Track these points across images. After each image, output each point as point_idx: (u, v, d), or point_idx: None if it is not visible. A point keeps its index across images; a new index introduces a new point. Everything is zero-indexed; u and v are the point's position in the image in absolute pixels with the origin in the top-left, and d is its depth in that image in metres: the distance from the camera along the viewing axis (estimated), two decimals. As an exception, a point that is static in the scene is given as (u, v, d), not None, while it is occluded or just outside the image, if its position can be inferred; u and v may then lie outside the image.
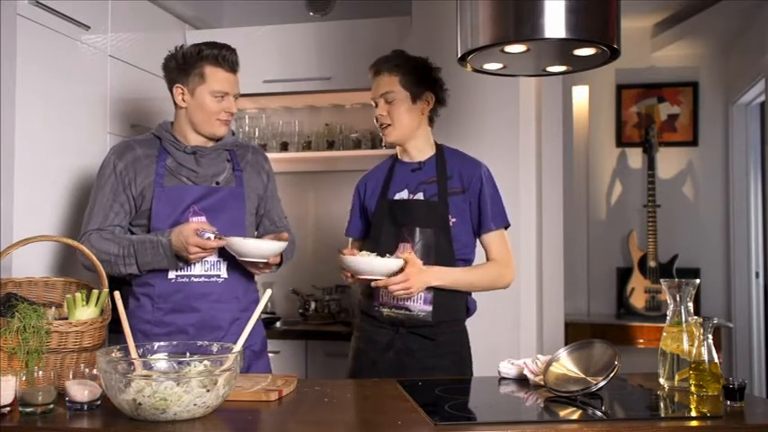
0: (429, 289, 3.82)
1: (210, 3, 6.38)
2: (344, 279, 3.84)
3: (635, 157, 8.30)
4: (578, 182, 8.27)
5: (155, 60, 5.38)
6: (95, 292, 3.09)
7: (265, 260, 3.71)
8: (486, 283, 4.00)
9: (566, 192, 6.11)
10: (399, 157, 4.14)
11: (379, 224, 4.04)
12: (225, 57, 3.85)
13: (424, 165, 4.04)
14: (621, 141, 8.35)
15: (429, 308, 3.85)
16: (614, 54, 3.16)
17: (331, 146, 6.26)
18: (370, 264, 3.65)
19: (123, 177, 3.82)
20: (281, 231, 3.99)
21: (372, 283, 3.73)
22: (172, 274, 3.78)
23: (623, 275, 8.17)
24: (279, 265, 4.00)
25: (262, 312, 3.10)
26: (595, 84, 8.20)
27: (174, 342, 2.91)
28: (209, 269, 3.82)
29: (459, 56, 3.24)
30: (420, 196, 3.97)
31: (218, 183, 3.90)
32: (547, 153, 5.62)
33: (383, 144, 6.03)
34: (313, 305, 5.98)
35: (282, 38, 5.89)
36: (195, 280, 3.80)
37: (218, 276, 3.83)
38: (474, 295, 4.08)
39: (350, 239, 4.29)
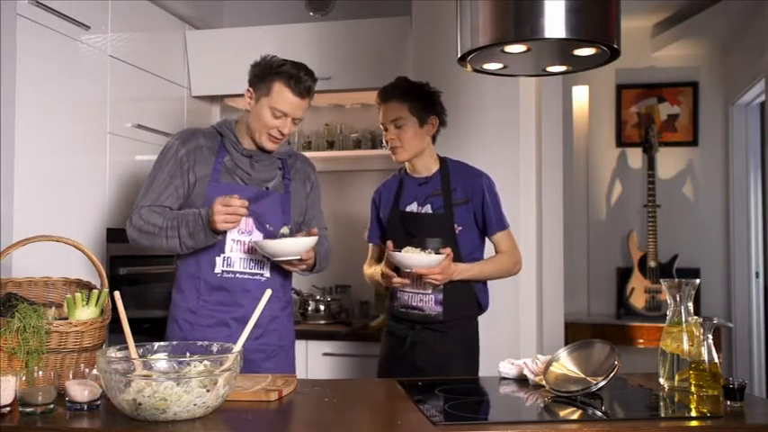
0: (439, 291, 4.16)
1: (211, 3, 6.38)
2: (386, 281, 4.25)
3: (635, 157, 8.30)
4: (578, 182, 8.27)
5: (155, 60, 5.42)
6: (95, 292, 3.09)
7: (298, 257, 3.78)
8: (500, 272, 4.38)
9: (566, 192, 6.11)
10: (408, 171, 4.47)
11: (392, 232, 4.38)
12: (299, 80, 3.85)
13: (430, 179, 4.38)
14: (621, 141, 8.35)
15: (439, 308, 4.21)
16: (614, 54, 3.15)
17: (331, 146, 6.27)
18: (417, 259, 4.00)
19: (183, 163, 3.91)
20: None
21: (413, 270, 4.01)
22: (218, 269, 3.90)
23: (623, 275, 8.17)
24: (311, 269, 4.09)
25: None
26: (595, 84, 8.20)
27: (174, 342, 2.92)
28: (253, 267, 3.93)
29: (459, 56, 3.24)
30: (428, 208, 4.32)
31: (267, 188, 4.00)
32: (547, 153, 5.62)
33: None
34: (313, 305, 5.98)
35: (282, 38, 5.89)
36: (240, 276, 3.91)
37: (262, 275, 3.94)
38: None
39: (370, 246, 4.67)
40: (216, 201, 3.65)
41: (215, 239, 3.78)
